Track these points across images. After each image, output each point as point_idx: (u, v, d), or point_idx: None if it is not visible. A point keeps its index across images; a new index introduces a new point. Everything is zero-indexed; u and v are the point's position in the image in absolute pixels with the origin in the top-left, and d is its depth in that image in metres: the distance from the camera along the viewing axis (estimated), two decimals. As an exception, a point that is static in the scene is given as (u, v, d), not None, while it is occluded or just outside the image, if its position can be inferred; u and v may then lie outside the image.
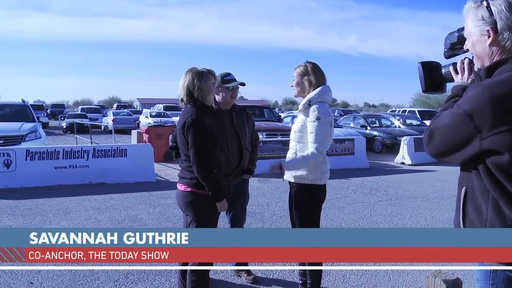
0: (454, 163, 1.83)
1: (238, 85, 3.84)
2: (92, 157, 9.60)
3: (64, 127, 27.97)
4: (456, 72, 2.02)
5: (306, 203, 3.51)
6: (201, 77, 3.12)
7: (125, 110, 36.91)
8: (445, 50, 2.01)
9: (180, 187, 3.20)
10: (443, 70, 2.05)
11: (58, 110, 44.38)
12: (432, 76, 2.03)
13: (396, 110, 27.72)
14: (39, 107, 38.39)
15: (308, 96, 3.44)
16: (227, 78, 3.79)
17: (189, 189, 3.12)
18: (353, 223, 6.33)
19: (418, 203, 7.70)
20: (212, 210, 3.10)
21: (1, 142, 10.45)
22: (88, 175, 9.41)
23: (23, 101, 13.11)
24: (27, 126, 11.29)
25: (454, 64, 2.04)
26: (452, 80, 2.03)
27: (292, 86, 3.60)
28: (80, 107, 41.64)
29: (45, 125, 32.13)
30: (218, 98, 3.81)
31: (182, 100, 3.16)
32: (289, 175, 3.52)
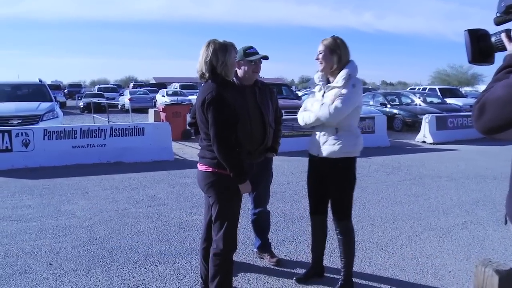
0: (507, 140, 1.63)
1: (261, 59, 3.63)
2: (110, 136, 9.53)
3: (81, 106, 28.04)
4: (510, 40, 1.79)
5: (350, 177, 3.48)
6: (225, 50, 2.92)
7: (142, 89, 36.87)
8: (497, 14, 1.78)
9: (201, 167, 3.03)
10: (493, 38, 1.82)
11: (75, 90, 44.55)
12: (480, 45, 1.80)
13: (415, 88, 27.16)
14: (56, 87, 38.59)
15: (347, 71, 3.34)
16: (250, 51, 3.58)
17: (210, 170, 2.95)
18: (377, 203, 6.14)
19: (443, 183, 7.46)
20: (235, 191, 2.93)
21: (20, 121, 10.47)
22: (105, 154, 9.36)
23: (40, 80, 13.08)
24: (45, 105, 11.26)
25: (507, 31, 1.81)
26: (503, 49, 1.80)
27: (318, 59, 3.43)
28: (97, 86, 41.74)
29: (62, 105, 32.36)
30: (240, 72, 3.61)
31: (202, 75, 2.96)
32: (330, 152, 3.36)
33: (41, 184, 7.27)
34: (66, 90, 44.34)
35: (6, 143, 8.76)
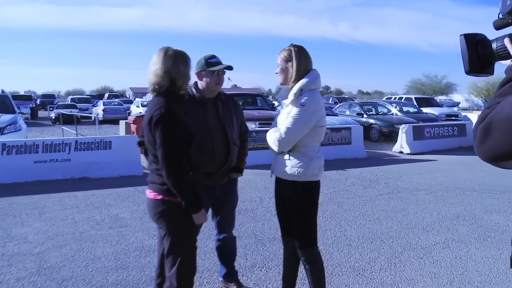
0: None
1: (224, 69, 3.27)
2: (75, 150, 9.02)
3: (53, 117, 27.23)
4: None
5: (305, 203, 3.10)
6: (185, 60, 2.58)
7: (116, 99, 36.17)
8: (499, 16, 1.44)
9: (150, 194, 2.64)
10: (494, 45, 1.48)
11: (48, 100, 43.58)
12: (479, 53, 1.47)
13: (391, 97, 27.20)
14: (27, 97, 37.60)
15: (299, 84, 3.01)
16: (212, 61, 3.22)
17: (159, 197, 2.56)
18: (354, 220, 5.82)
19: (422, 197, 7.20)
20: (190, 221, 2.55)
21: (-22, 135, 9.85)
22: (70, 169, 8.83)
23: (3, 91, 12.45)
24: (6, 118, 10.68)
25: None
26: (507, 57, 1.46)
27: (277, 73, 3.12)
28: (70, 97, 40.80)
29: (33, 116, 31.55)
30: (201, 84, 3.25)
31: (155, 89, 2.57)
32: (282, 172, 3.05)
33: (-5, 203, 6.74)
34: (38, 101, 43.30)
35: (-39, 158, 8.18)
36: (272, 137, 3.05)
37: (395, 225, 5.62)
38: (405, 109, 19.07)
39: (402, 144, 12.98)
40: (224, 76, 3.36)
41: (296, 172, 3.01)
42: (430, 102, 23.77)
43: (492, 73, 1.56)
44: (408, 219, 5.88)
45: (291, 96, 3.01)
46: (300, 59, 3.03)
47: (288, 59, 3.04)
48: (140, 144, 2.78)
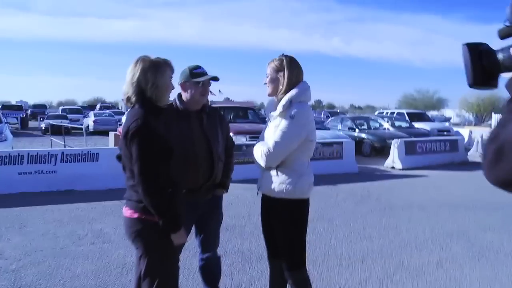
0: None
1: (210, 80, 3.13)
2: (61, 162, 8.80)
3: (43, 128, 26.92)
4: None
5: (293, 222, 2.93)
6: (156, 69, 2.39)
7: (108, 111, 35.92)
8: (506, 24, 1.30)
9: (126, 212, 2.47)
10: (500, 55, 1.33)
11: (39, 110, 43.17)
12: (484, 64, 1.32)
13: (383, 112, 27.23)
14: (18, 107, 37.33)
15: (288, 96, 2.87)
16: (197, 72, 3.08)
17: (136, 215, 2.39)
18: (345, 238, 5.65)
19: (414, 213, 7.06)
20: (168, 242, 2.38)
21: (-38, 145, 9.63)
22: (55, 181, 8.60)
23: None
24: (-9, 127, 10.45)
25: None
26: None
27: (265, 84, 2.98)
28: (61, 107, 40.50)
29: (23, 126, 31.23)
30: (185, 96, 3.10)
31: (128, 99, 2.43)
32: (269, 189, 2.89)
33: (-25, 216, 6.51)
34: (29, 111, 42.91)
35: None
36: (259, 151, 2.90)
37: (387, 243, 5.47)
38: (397, 124, 19.05)
39: (394, 159, 12.87)
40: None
41: (284, 189, 2.86)
42: (422, 117, 23.78)
43: (496, 86, 1.42)
44: (400, 237, 5.73)
45: (279, 108, 2.86)
46: (292, 70, 2.91)
47: (279, 69, 2.91)
48: (119, 158, 2.61)
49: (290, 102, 2.83)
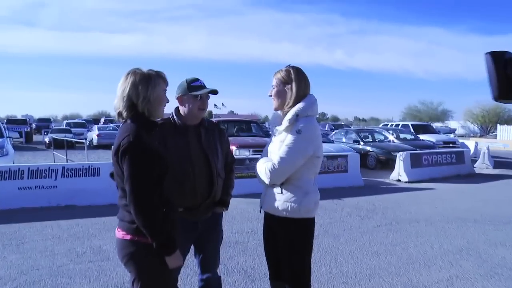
0: None
1: (209, 94, 3.01)
2: (62, 177, 8.70)
3: (47, 142, 26.88)
4: None
5: (298, 243, 2.78)
6: (147, 82, 2.26)
7: (112, 124, 35.92)
8: None
9: (118, 233, 2.34)
10: None
11: (44, 124, 43.26)
12: (509, 73, 1.19)
13: (388, 124, 27.05)
14: (23, 121, 37.44)
15: (295, 109, 2.73)
16: (195, 85, 2.96)
17: (128, 237, 2.25)
18: (351, 255, 5.48)
19: (422, 228, 6.88)
20: (162, 265, 2.23)
21: (-37, 160, 9.54)
22: (56, 196, 8.48)
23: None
24: (-7, 142, 10.38)
25: None
26: None
27: (271, 96, 2.85)
28: (65, 121, 40.56)
29: (28, 140, 31.26)
30: (183, 110, 2.98)
31: (120, 114, 2.31)
32: (272, 207, 2.75)
33: (-27, 233, 6.38)
34: (34, 125, 43.00)
35: None
36: (263, 168, 2.76)
37: (394, 260, 5.29)
38: (402, 136, 18.86)
39: (399, 172, 12.69)
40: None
41: (289, 208, 2.71)
42: (427, 129, 23.59)
43: None
44: (408, 253, 5.55)
45: (285, 122, 2.73)
46: (300, 82, 2.78)
47: (286, 81, 2.78)
48: (112, 175, 2.47)
49: (296, 116, 2.70)
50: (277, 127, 2.85)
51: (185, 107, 2.96)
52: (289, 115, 2.72)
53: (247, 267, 4.97)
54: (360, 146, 16.05)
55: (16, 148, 23.54)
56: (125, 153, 2.13)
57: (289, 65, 2.86)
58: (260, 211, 2.99)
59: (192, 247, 3.15)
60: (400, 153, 13.06)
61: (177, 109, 3.02)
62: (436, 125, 45.35)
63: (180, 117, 2.98)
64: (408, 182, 12.24)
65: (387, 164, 14.57)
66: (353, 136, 17.46)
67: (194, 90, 2.93)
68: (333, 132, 20.99)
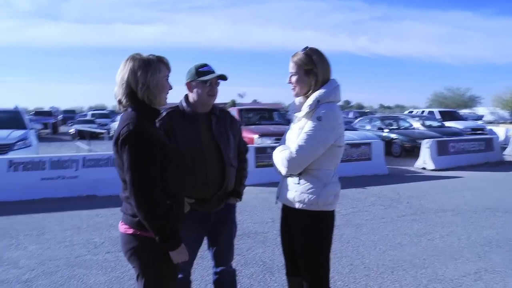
0: None
1: (218, 79, 2.86)
2: (83, 167, 8.72)
3: (72, 133, 27.27)
4: None
5: (315, 237, 2.62)
6: (147, 68, 2.13)
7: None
8: None
9: (121, 227, 2.23)
10: None
11: (69, 115, 43.98)
12: None
13: (413, 111, 26.46)
14: (48, 113, 38.05)
15: (316, 95, 2.54)
16: (203, 70, 2.81)
17: (130, 231, 2.15)
18: (373, 246, 5.30)
19: (448, 219, 6.63)
20: (166, 260, 2.12)
21: (-13, 151, 9.66)
22: (77, 187, 8.52)
23: (16, 107, 12.31)
24: (16, 134, 10.46)
25: None
26: None
27: (291, 83, 2.67)
28: (89, 112, 41.07)
29: (55, 131, 31.80)
30: (191, 96, 2.85)
31: (120, 102, 2.19)
32: (289, 199, 2.60)
33: (-4, 223, 6.45)
34: (61, 116, 43.73)
35: (-34, 175, 7.96)
36: (280, 157, 2.59)
37: (419, 251, 5.09)
38: (427, 123, 18.40)
39: (425, 160, 12.36)
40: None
41: (306, 200, 2.55)
42: (454, 116, 22.98)
43: None
44: (433, 245, 5.34)
45: (305, 108, 2.55)
46: (323, 66, 2.59)
47: (308, 67, 2.58)
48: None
49: (317, 102, 2.52)
50: (296, 114, 2.68)
51: (194, 93, 2.83)
52: (310, 101, 2.54)
53: (266, 258, 4.85)
54: (385, 134, 15.71)
55: (43, 139, 23.99)
56: (124, 143, 2.01)
57: (307, 47, 2.67)
58: (276, 202, 2.85)
59: (206, 240, 3.04)
60: (426, 140, 12.71)
61: (186, 96, 2.89)
62: (463, 111, 44.24)
63: (189, 104, 2.85)
64: (434, 170, 11.92)
65: (412, 151, 14.22)
66: (378, 123, 17.11)
67: (203, 75, 2.79)
68: (357, 120, 20.64)
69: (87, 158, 8.83)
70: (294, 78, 2.64)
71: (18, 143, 10.18)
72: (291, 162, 2.52)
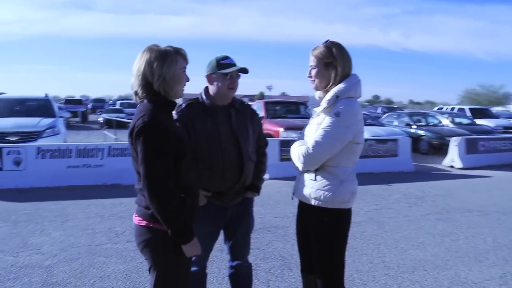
0: None
1: (239, 72, 2.82)
2: (108, 156, 8.85)
3: (101, 121, 27.72)
4: None
5: (331, 235, 2.57)
6: (163, 59, 2.11)
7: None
8: None
9: (135, 219, 2.24)
10: None
11: (99, 104, 44.74)
12: None
13: (443, 108, 25.88)
14: (78, 101, 38.82)
15: (335, 90, 2.48)
16: (224, 62, 2.77)
17: (143, 223, 2.15)
18: (395, 244, 5.20)
19: (474, 219, 6.45)
20: (178, 254, 2.11)
21: (18, 138, 9.91)
22: (102, 175, 8.66)
23: (46, 95, 12.57)
24: (46, 121, 10.70)
25: None
26: None
27: (310, 77, 2.61)
28: (118, 101, 41.65)
29: (84, 120, 32.43)
30: (211, 89, 2.82)
31: (136, 93, 2.18)
32: (304, 195, 2.56)
33: (22, 208, 6.60)
34: (90, 105, 44.52)
35: (-3, 161, 8.18)
36: (297, 152, 2.56)
37: (442, 252, 4.97)
38: (457, 120, 17.96)
39: (453, 158, 12.08)
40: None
41: (322, 197, 2.51)
42: (485, 113, 22.37)
43: None
44: (457, 246, 5.20)
45: (324, 103, 2.49)
46: (344, 60, 2.53)
47: (328, 60, 2.52)
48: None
49: (336, 97, 2.46)
50: (315, 109, 2.63)
51: (214, 86, 2.80)
52: (328, 96, 2.49)
53: (285, 253, 4.82)
54: (412, 130, 15.42)
55: (73, 127, 24.50)
56: (139, 135, 2.01)
57: (328, 40, 2.61)
58: (293, 198, 2.81)
59: (222, 233, 3.02)
60: (454, 138, 12.42)
61: (206, 88, 2.86)
62: (496, 109, 43.06)
63: (209, 97, 2.82)
64: (462, 168, 11.63)
65: (441, 149, 13.91)
66: (405, 119, 16.79)
67: (223, 68, 2.75)
68: (385, 115, 20.31)
69: (113, 147, 8.94)
70: (313, 72, 2.59)
71: (47, 130, 10.41)
72: (307, 158, 2.48)
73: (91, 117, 36.24)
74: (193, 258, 2.82)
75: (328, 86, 2.56)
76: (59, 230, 5.52)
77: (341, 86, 2.49)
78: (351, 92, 2.50)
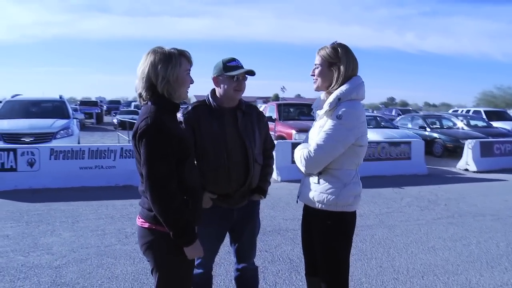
0: None
1: (246, 75, 2.81)
2: (120, 157, 8.91)
3: (115, 123, 27.96)
4: None
5: (335, 238, 2.55)
6: (168, 61, 2.11)
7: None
8: None
9: (138, 220, 2.24)
10: None
11: (114, 106, 45.17)
12: None
13: (458, 110, 25.57)
14: (93, 103, 39.23)
15: (337, 92, 2.46)
16: (231, 65, 2.77)
17: (146, 225, 2.15)
18: (405, 248, 5.14)
19: (487, 223, 6.35)
20: (180, 256, 2.11)
21: (32, 139, 10.05)
22: (114, 176, 8.72)
23: (61, 97, 12.72)
24: (60, 123, 10.83)
25: None
26: None
27: (313, 76, 2.60)
28: (133, 103, 42.01)
29: (99, 121, 32.76)
30: (218, 91, 2.82)
31: (140, 95, 2.19)
32: (308, 198, 2.54)
33: (35, 208, 6.68)
34: (106, 107, 44.97)
35: (11, 162, 8.30)
36: (299, 155, 2.54)
37: (452, 257, 4.90)
38: (472, 123, 17.74)
39: (467, 161, 11.92)
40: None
41: (325, 200, 2.49)
42: (502, 116, 22.02)
43: None
44: (469, 250, 5.13)
45: (326, 106, 2.48)
46: (349, 62, 2.51)
47: (332, 61, 2.51)
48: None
49: (338, 100, 2.44)
50: (317, 111, 2.62)
51: (220, 88, 2.80)
52: (330, 99, 2.47)
53: (293, 256, 4.79)
54: (427, 133, 15.27)
55: (87, 129, 24.78)
56: (142, 136, 2.01)
57: (335, 41, 2.60)
58: (297, 201, 2.79)
59: (228, 236, 3.02)
60: (469, 140, 12.25)
61: (213, 90, 2.87)
62: (513, 112, 42.44)
63: (216, 99, 2.82)
64: (477, 172, 11.48)
65: (455, 152, 13.77)
66: (420, 122, 16.63)
67: (230, 70, 2.75)
68: (399, 118, 20.14)
69: (125, 149, 9.00)
70: (317, 71, 2.59)
71: (61, 132, 10.55)
72: (309, 161, 2.47)
73: (106, 119, 36.59)
74: (199, 261, 2.84)
75: (331, 87, 2.54)
76: (69, 231, 5.56)
77: (343, 88, 2.47)
78: (353, 94, 2.47)
